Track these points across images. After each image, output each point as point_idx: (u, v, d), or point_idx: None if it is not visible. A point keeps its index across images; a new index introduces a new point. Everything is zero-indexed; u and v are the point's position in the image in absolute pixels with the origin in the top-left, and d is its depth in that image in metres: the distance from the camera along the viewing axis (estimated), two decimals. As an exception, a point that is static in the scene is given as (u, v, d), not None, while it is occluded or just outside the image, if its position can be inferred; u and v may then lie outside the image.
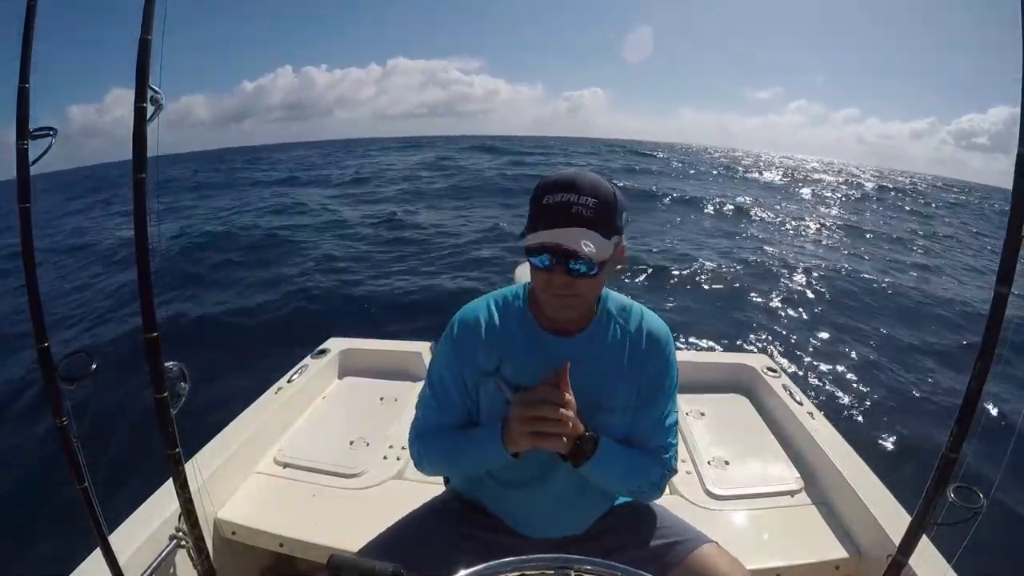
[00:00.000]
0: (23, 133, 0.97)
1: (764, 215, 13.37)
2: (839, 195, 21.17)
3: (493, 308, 0.97)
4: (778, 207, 15.39)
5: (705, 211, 13.25)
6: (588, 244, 0.77)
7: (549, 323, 0.94)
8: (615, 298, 0.99)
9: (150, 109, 1.00)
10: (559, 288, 0.83)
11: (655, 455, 0.95)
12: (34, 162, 0.99)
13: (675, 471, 0.98)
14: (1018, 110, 0.82)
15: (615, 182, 0.86)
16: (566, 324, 0.94)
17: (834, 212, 15.70)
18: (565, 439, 0.84)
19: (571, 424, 0.83)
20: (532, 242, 0.80)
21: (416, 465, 1.01)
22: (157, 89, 1.00)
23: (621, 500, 1.10)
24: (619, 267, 0.90)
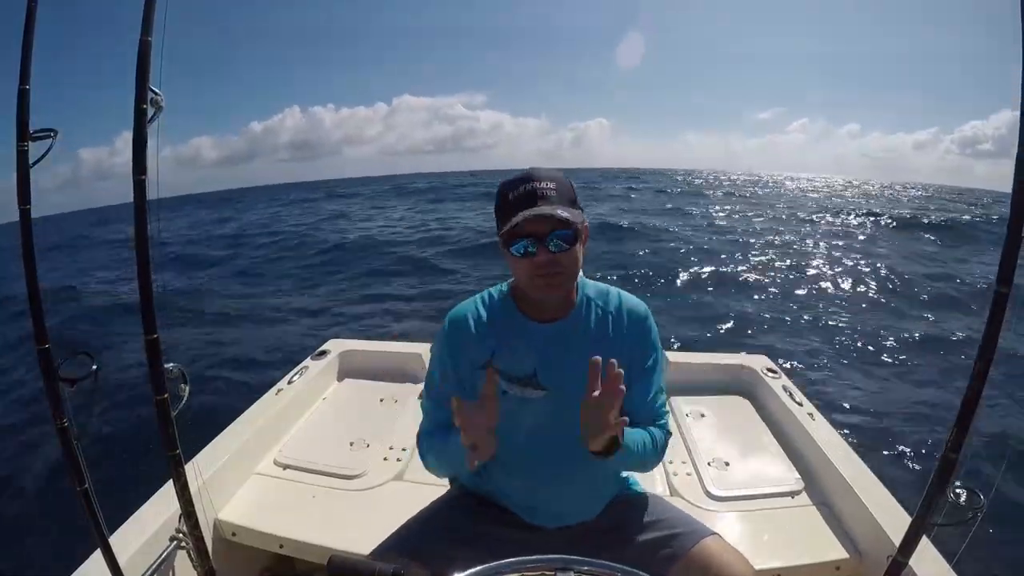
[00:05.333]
0: (23, 135, 0.97)
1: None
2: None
3: (480, 305, 1.02)
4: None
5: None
6: (563, 210, 0.84)
7: (535, 312, 0.99)
8: (592, 284, 1.05)
9: (150, 111, 1.00)
10: (544, 268, 0.87)
11: (652, 423, 1.01)
12: (34, 164, 0.98)
13: (670, 433, 1.04)
14: (1019, 113, 0.82)
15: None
16: (551, 311, 0.99)
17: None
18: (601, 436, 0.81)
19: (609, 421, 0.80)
20: (511, 229, 0.85)
21: (425, 466, 1.04)
22: (157, 91, 1.00)
23: (627, 491, 1.11)
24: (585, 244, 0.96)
